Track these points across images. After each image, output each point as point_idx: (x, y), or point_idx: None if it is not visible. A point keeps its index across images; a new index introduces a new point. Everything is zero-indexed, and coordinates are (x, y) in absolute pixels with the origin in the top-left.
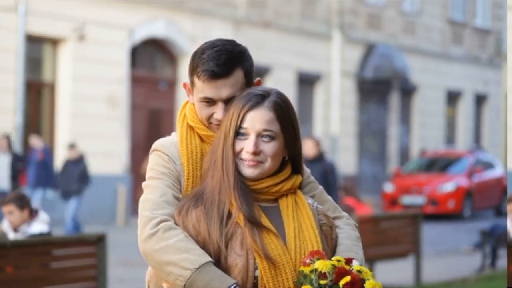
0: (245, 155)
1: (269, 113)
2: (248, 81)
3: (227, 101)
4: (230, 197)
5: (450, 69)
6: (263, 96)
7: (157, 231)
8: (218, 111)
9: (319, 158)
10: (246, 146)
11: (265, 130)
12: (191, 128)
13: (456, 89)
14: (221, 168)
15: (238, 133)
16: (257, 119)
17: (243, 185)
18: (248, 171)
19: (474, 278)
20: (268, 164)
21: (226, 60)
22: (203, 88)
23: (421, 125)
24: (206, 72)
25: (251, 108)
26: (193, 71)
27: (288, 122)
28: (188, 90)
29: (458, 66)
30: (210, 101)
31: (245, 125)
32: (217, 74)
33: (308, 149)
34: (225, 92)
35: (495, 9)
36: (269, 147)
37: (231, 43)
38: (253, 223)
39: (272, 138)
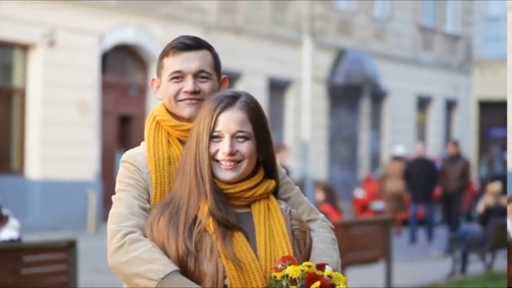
0: (221, 156)
1: (242, 114)
2: (217, 70)
3: (196, 76)
4: (200, 202)
5: (421, 75)
6: (234, 97)
7: (123, 244)
8: (187, 84)
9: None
10: (222, 147)
11: (239, 131)
12: (159, 129)
13: (427, 94)
14: (194, 173)
15: (212, 136)
16: (231, 121)
17: (218, 188)
18: (226, 174)
19: (444, 284)
20: (244, 164)
21: (195, 37)
22: (173, 62)
23: (392, 131)
24: (177, 45)
25: (223, 109)
26: (162, 55)
27: (260, 122)
28: (155, 87)
29: (429, 72)
30: (179, 77)
31: (218, 127)
32: (187, 45)
33: (285, 157)
34: (194, 64)
35: (465, 15)
36: (244, 147)
37: None
38: (228, 227)
39: (246, 138)
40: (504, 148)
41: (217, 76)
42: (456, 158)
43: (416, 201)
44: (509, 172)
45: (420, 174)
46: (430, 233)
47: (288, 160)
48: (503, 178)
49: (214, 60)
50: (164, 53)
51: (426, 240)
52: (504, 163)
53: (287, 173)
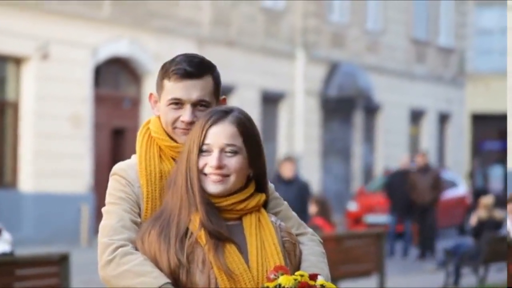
0: (209, 169)
1: (232, 128)
2: (217, 94)
3: (195, 105)
4: (191, 214)
5: (414, 88)
6: (226, 112)
7: (114, 257)
8: (185, 113)
9: (296, 178)
10: (210, 161)
11: (228, 145)
12: (151, 142)
13: (420, 107)
14: (185, 186)
15: (202, 149)
16: (220, 134)
17: (209, 201)
18: (213, 187)
19: None
20: (232, 178)
21: (198, 63)
22: (173, 88)
23: (385, 144)
24: (178, 71)
25: (213, 123)
26: (163, 75)
27: (251, 137)
28: (153, 102)
29: (422, 85)
30: (178, 103)
31: (208, 141)
32: (189, 73)
33: (289, 170)
34: (195, 94)
35: (458, 28)
36: (232, 162)
37: (201, 56)
38: (219, 239)
39: (235, 152)
40: (502, 160)
41: (216, 100)
42: (425, 170)
43: (396, 214)
44: (509, 172)
45: (402, 187)
46: (406, 248)
47: (290, 172)
48: (484, 192)
49: (215, 84)
50: (165, 74)
51: (402, 255)
52: (485, 176)
53: (307, 187)
